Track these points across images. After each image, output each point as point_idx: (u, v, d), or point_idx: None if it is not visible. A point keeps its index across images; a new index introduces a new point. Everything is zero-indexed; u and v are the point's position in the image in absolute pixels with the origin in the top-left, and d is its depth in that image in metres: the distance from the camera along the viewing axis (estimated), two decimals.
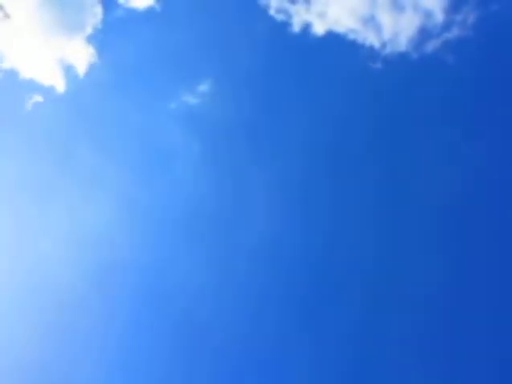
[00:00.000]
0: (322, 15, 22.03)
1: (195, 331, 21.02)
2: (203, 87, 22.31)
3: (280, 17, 21.94)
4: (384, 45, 21.83)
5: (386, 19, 21.94)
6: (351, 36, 21.85)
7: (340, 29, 21.88)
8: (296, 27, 22.03)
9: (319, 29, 21.99)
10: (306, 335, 20.20)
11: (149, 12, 21.44)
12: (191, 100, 22.34)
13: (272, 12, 21.92)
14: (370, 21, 21.97)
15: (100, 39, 21.94)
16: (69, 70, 22.14)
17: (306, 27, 21.99)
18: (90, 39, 21.97)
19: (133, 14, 21.60)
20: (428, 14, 21.48)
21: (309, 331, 20.33)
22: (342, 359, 19.87)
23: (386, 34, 21.89)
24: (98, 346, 21.53)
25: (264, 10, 21.89)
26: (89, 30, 21.71)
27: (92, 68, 22.07)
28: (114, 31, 21.85)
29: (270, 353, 20.35)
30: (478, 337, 18.78)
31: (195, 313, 21.17)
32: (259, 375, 20.39)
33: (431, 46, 21.40)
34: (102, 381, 21.14)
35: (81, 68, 22.13)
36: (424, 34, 21.41)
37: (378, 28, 21.98)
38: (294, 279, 20.96)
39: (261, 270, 21.21)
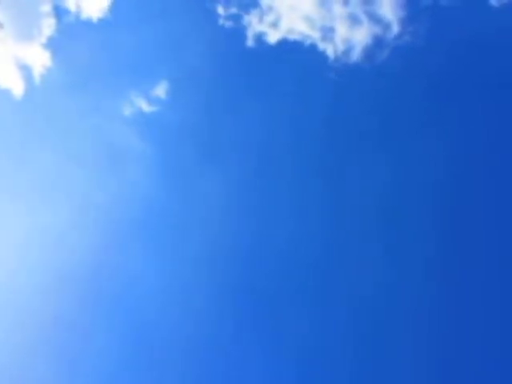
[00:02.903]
0: (275, 25, 22.12)
1: (148, 333, 20.93)
2: (156, 91, 22.53)
3: (233, 25, 22.19)
4: (338, 55, 21.71)
5: (340, 29, 21.84)
6: (306, 44, 21.88)
7: (294, 37, 21.93)
8: (249, 35, 22.21)
9: (273, 37, 22.11)
10: (256, 339, 20.13)
11: (101, 20, 22.02)
12: (144, 103, 22.58)
13: (225, 20, 22.15)
14: (324, 31, 21.90)
15: (55, 46, 22.46)
16: (24, 75, 22.61)
17: (260, 36, 22.16)
18: (45, 46, 22.49)
19: (85, 22, 22.15)
20: (383, 25, 21.32)
21: (259, 335, 20.21)
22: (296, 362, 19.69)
23: (340, 44, 21.76)
24: (48, 348, 21.33)
25: (217, 19, 22.18)
26: (43, 38, 22.34)
27: (47, 73, 22.48)
28: (68, 38, 22.41)
29: (218, 356, 20.16)
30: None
31: (147, 314, 21.11)
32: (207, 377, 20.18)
33: (385, 56, 21.21)
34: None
35: (36, 72, 22.57)
36: (378, 44, 21.29)
37: (331, 38, 21.88)
38: (250, 281, 20.81)
39: (214, 271, 21.07)
